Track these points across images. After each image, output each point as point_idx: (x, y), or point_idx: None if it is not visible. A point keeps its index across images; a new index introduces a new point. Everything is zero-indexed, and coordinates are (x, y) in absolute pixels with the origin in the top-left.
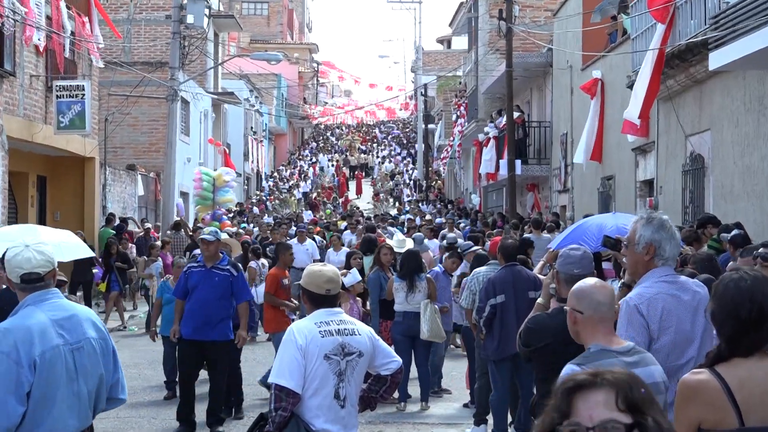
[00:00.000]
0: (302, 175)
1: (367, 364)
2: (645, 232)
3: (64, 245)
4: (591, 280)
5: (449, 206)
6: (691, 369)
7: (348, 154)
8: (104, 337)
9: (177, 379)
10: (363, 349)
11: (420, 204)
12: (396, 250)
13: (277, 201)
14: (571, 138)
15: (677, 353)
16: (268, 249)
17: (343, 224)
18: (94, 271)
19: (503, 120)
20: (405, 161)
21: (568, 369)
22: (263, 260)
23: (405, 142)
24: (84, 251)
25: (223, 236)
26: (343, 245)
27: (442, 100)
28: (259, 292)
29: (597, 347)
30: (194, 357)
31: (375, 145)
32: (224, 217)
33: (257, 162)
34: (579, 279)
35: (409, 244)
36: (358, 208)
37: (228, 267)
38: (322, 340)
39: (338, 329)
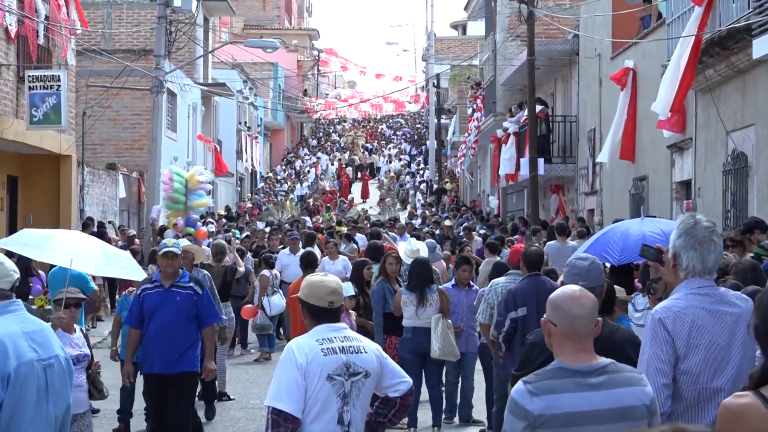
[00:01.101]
0: (299, 177)
1: (374, 386)
2: (673, 237)
3: (115, 259)
4: (571, 290)
5: (463, 209)
6: (727, 393)
7: (351, 152)
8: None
9: (143, 410)
10: (370, 369)
11: (432, 208)
12: (406, 259)
13: (271, 204)
14: (599, 134)
15: (709, 375)
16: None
17: (344, 230)
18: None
19: (524, 114)
20: (416, 160)
21: (518, 387)
22: (275, 271)
23: (415, 138)
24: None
25: (183, 242)
26: (339, 253)
27: (457, 92)
28: (273, 302)
29: (556, 365)
30: (165, 394)
31: (382, 142)
32: (199, 223)
33: (252, 160)
34: None
35: (423, 251)
36: (366, 212)
37: (191, 284)
38: (325, 358)
39: (342, 347)
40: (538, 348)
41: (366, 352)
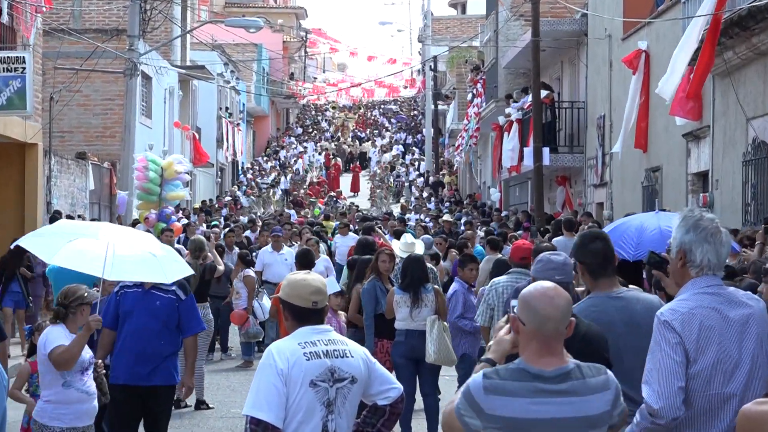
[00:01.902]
0: (284, 168)
1: (361, 392)
2: (677, 234)
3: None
4: (544, 287)
5: (463, 203)
6: (739, 399)
7: (340, 137)
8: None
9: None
10: (356, 375)
11: (428, 202)
12: (401, 254)
13: (253, 198)
14: (609, 121)
15: (721, 379)
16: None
17: (333, 224)
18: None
19: (528, 100)
20: (411, 150)
21: (476, 379)
22: (252, 271)
23: (411, 125)
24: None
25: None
26: (320, 253)
27: (455, 76)
28: (264, 306)
29: (518, 365)
30: (134, 407)
31: (375, 131)
32: (173, 217)
33: (233, 150)
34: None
35: (420, 248)
36: (356, 206)
37: (174, 288)
38: (308, 363)
39: (327, 350)
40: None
41: (352, 357)
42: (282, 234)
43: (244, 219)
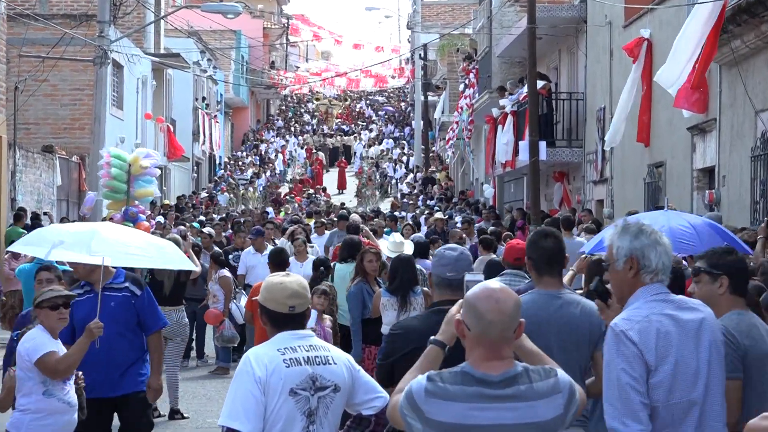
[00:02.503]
0: (263, 163)
1: (344, 402)
2: (623, 243)
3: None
4: (489, 290)
5: (452, 201)
6: (700, 407)
7: (325, 126)
8: None
9: None
10: (339, 383)
11: (419, 199)
12: (390, 254)
13: (229, 195)
14: (610, 114)
15: (682, 388)
16: (231, 257)
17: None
18: None
19: (524, 91)
20: (400, 144)
21: (419, 381)
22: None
23: (399, 118)
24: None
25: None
26: (308, 254)
27: (446, 65)
28: (242, 309)
29: (462, 368)
30: (105, 421)
31: (362, 123)
32: (141, 216)
33: (210, 143)
34: (452, 284)
35: (409, 248)
36: (343, 205)
37: (126, 284)
38: (287, 370)
39: (308, 357)
40: (403, 336)
41: (335, 364)
42: (264, 234)
43: (217, 217)
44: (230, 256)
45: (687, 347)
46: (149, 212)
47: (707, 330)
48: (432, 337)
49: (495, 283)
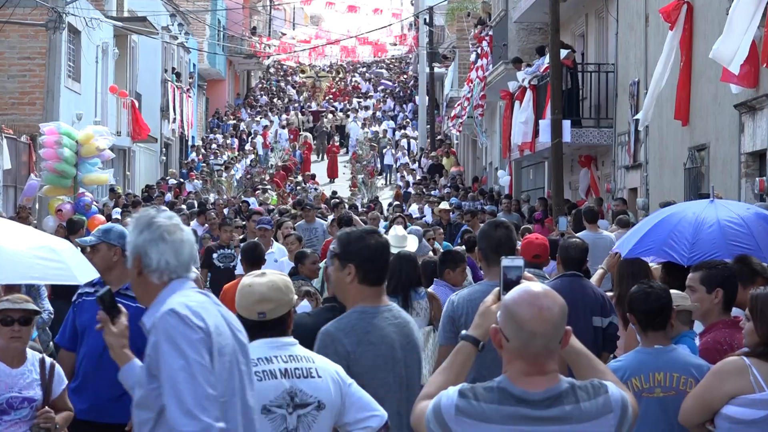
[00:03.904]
0: (242, 147)
1: (332, 421)
2: (130, 238)
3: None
4: (531, 294)
5: (459, 189)
6: None
7: (313, 103)
8: None
9: None
10: (324, 399)
11: (425, 189)
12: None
13: (200, 182)
14: (644, 88)
15: None
16: (215, 255)
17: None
18: None
19: (545, 62)
20: (400, 123)
21: (449, 395)
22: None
23: (400, 92)
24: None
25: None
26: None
27: (455, 32)
28: None
29: (500, 383)
30: None
31: (358, 101)
32: (94, 207)
33: (182, 121)
34: None
35: (413, 243)
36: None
37: None
38: (259, 384)
39: (285, 369)
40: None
41: (319, 377)
42: (271, 227)
43: (186, 208)
44: (215, 255)
45: None
46: (108, 202)
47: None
48: (464, 332)
49: (537, 284)
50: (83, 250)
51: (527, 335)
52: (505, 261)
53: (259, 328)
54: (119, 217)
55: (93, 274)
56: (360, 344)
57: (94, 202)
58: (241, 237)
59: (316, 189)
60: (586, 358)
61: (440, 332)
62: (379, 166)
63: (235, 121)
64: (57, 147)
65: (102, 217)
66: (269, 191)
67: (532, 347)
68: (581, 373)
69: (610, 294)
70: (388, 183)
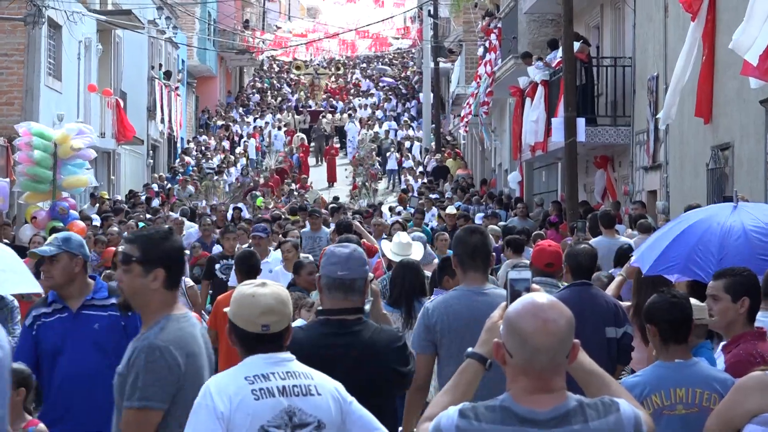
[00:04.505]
0: (234, 150)
1: None
2: None
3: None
4: (535, 306)
5: (464, 191)
6: None
7: (311, 102)
8: None
9: None
10: (324, 418)
11: (432, 193)
12: (394, 258)
13: (191, 188)
14: (664, 84)
15: None
16: (218, 266)
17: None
18: None
19: (557, 56)
20: (406, 124)
21: (449, 415)
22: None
23: (403, 90)
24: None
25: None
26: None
27: (462, 24)
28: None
29: (502, 402)
30: None
31: (358, 100)
32: (73, 212)
33: (170, 121)
34: (344, 285)
35: (418, 250)
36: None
37: (112, 300)
38: (257, 404)
39: (283, 387)
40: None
41: (319, 395)
42: (266, 235)
43: (174, 214)
44: (217, 266)
45: None
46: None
47: None
48: (470, 350)
49: (542, 295)
50: (38, 262)
51: (531, 350)
52: (512, 273)
53: (258, 341)
54: (98, 224)
55: (20, 287)
56: (189, 356)
57: (72, 208)
58: (247, 245)
59: (303, 193)
60: (596, 373)
61: (414, 340)
62: (380, 168)
63: (225, 122)
64: (28, 149)
65: (82, 224)
66: (263, 197)
67: (537, 363)
68: (591, 390)
69: (628, 303)
70: (392, 188)
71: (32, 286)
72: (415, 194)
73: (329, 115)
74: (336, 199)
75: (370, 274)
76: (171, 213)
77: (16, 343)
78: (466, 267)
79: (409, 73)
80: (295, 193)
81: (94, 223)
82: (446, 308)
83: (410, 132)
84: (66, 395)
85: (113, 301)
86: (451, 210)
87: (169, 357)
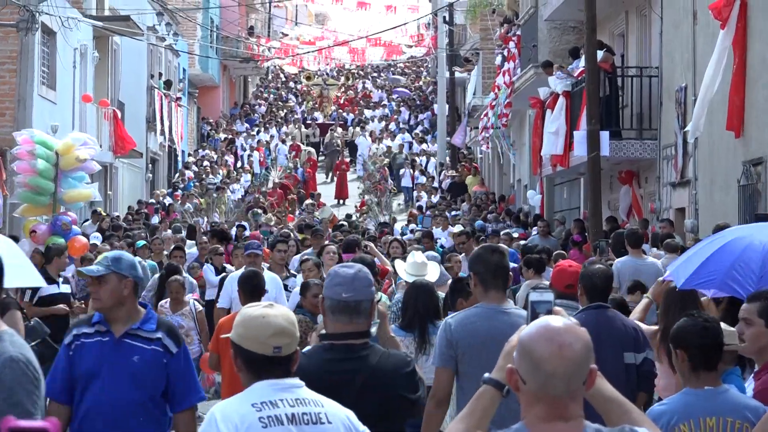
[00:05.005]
0: (238, 166)
1: None
2: None
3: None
4: (549, 330)
5: (480, 207)
6: None
7: (320, 114)
8: None
9: None
10: None
11: (447, 212)
12: (408, 278)
13: (193, 203)
14: (693, 95)
15: None
16: None
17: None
18: None
19: (580, 65)
20: (417, 135)
21: None
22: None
23: (417, 102)
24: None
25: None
26: None
27: (479, 31)
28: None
29: (517, 431)
30: None
31: (370, 112)
32: (75, 228)
33: (170, 133)
34: (349, 308)
35: (433, 271)
36: (349, 218)
37: (159, 335)
38: None
39: (292, 414)
40: None
41: (330, 423)
42: (261, 252)
43: (167, 233)
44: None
45: None
46: (87, 227)
47: None
48: (486, 375)
49: (557, 318)
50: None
51: (545, 375)
52: (534, 295)
53: (267, 365)
54: (98, 243)
55: (23, 281)
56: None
57: (74, 223)
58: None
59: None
60: (616, 401)
61: (436, 354)
62: (391, 182)
63: (228, 135)
64: (30, 158)
65: (84, 240)
66: (266, 214)
67: (552, 389)
68: (611, 418)
69: (655, 327)
70: (407, 206)
71: (36, 280)
72: (429, 213)
73: (340, 129)
74: (348, 217)
75: (378, 294)
76: (168, 231)
77: None
78: (487, 285)
79: (422, 83)
80: (304, 209)
81: (92, 242)
82: (467, 324)
83: (424, 146)
84: (92, 423)
85: (160, 335)
86: (458, 228)
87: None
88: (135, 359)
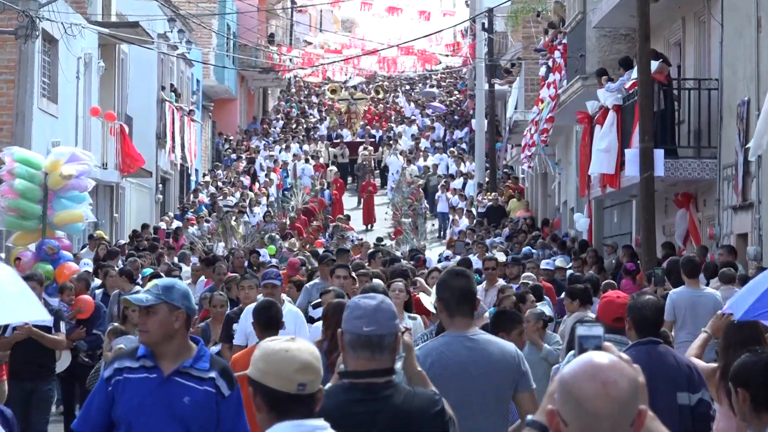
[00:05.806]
0: (252, 187)
1: None
2: None
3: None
4: (592, 367)
5: (525, 232)
6: None
7: (347, 131)
8: None
9: None
10: None
11: (488, 236)
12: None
13: (208, 226)
14: (756, 110)
15: None
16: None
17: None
18: None
19: (632, 77)
20: (453, 152)
21: None
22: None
23: (454, 116)
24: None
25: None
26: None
27: (521, 39)
28: None
29: None
30: None
31: (402, 127)
32: (65, 253)
33: (182, 150)
34: (371, 343)
35: None
36: (380, 241)
37: (212, 374)
38: None
39: None
40: None
41: None
42: (280, 282)
43: (194, 258)
44: (236, 326)
45: None
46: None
47: None
48: (530, 418)
49: (602, 354)
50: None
51: (589, 417)
52: (581, 329)
53: (291, 403)
54: (89, 269)
55: (30, 316)
56: None
57: (66, 249)
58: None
59: (348, 236)
60: None
61: None
62: (425, 205)
63: (246, 154)
64: (10, 179)
65: (75, 266)
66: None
67: (598, 429)
68: None
69: (714, 365)
70: (442, 234)
71: (40, 313)
72: (459, 239)
73: (370, 147)
74: (379, 240)
75: (402, 326)
76: (174, 261)
77: None
78: (452, 312)
79: (457, 96)
80: (330, 231)
81: (84, 269)
82: (435, 356)
83: (462, 167)
84: None
85: (213, 375)
86: (497, 254)
87: None
88: (186, 400)
